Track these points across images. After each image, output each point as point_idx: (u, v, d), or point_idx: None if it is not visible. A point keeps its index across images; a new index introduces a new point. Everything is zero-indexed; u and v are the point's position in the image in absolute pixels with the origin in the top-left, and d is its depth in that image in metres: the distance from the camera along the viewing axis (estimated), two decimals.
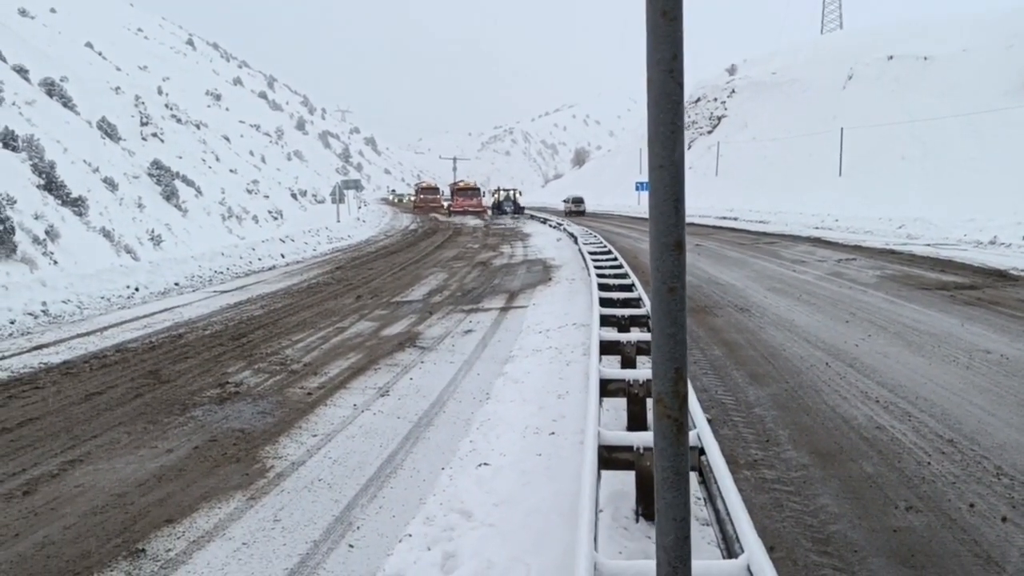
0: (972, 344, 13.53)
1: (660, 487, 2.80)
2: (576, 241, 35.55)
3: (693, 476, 6.62)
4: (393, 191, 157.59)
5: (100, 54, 68.79)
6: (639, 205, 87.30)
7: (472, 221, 72.77)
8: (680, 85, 2.49)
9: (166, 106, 62.36)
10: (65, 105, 42.60)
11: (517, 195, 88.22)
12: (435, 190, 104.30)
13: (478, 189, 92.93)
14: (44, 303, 19.68)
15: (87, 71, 55.74)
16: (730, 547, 4.90)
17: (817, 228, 44.63)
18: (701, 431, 6.42)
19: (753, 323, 16.67)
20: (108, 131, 44.17)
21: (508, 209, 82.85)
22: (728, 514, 5.05)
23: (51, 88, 42.75)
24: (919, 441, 8.85)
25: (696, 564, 4.40)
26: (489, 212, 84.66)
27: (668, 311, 2.60)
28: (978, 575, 6.00)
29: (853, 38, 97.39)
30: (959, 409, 9.96)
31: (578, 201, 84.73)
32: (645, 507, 6.78)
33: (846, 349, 13.65)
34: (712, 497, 5.63)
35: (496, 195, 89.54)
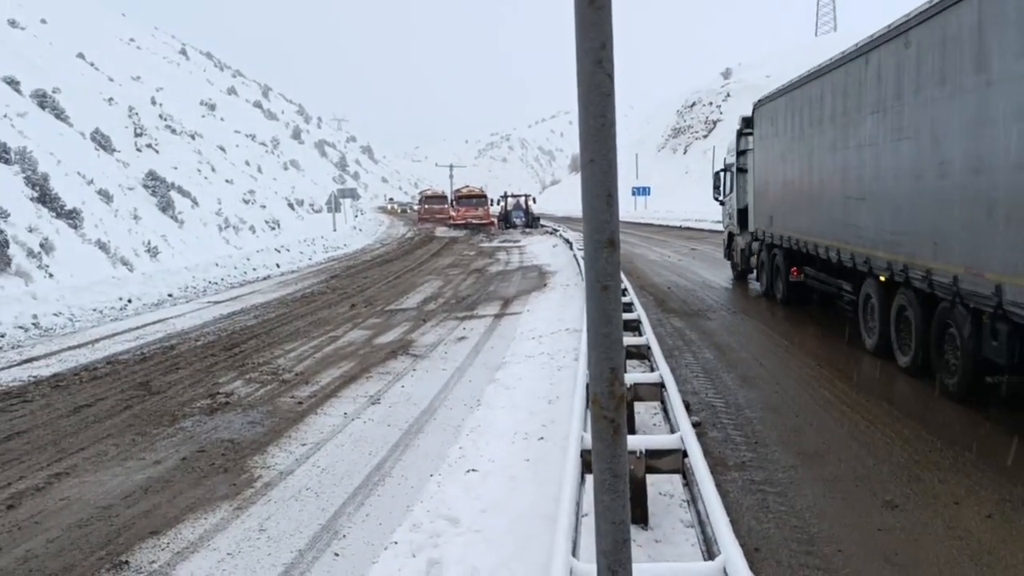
0: None
1: (597, 490, 2.75)
2: (572, 247, 35.56)
3: (677, 479, 6.59)
4: (391, 199, 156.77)
5: (92, 65, 68.55)
6: (635, 211, 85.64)
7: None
8: (610, 76, 2.41)
9: (160, 116, 62.18)
10: (58, 117, 42.40)
11: (530, 203, 70.30)
12: (442, 198, 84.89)
13: (485, 196, 71.91)
14: (35, 316, 19.63)
15: (79, 82, 55.44)
16: (710, 549, 4.86)
17: None
18: (684, 434, 6.40)
19: (746, 326, 16.66)
20: (102, 142, 43.93)
21: (518, 221, 66.23)
22: (708, 516, 5.02)
23: (43, 100, 42.55)
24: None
25: (672, 566, 4.39)
26: (496, 224, 67.11)
27: (603, 310, 2.54)
28: None
29: (847, 40, 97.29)
30: None
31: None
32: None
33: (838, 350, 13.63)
34: (694, 499, 5.61)
35: (503, 203, 70.49)
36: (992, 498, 7.26)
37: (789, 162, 17.96)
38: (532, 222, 65.91)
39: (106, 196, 36.16)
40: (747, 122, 22.10)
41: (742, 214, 22.86)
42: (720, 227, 28.80)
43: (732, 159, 23.70)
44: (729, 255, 25.43)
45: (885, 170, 12.55)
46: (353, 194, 78.44)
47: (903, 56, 11.71)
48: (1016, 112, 8.73)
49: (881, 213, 12.74)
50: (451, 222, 68.21)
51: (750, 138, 21.86)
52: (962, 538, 6.53)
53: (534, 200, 72.15)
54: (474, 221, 65.95)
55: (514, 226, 65.14)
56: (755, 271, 22.17)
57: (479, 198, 70.69)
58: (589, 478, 6.38)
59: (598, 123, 2.42)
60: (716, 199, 26.49)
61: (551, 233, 53.53)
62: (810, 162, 16.44)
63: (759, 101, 20.71)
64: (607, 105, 2.42)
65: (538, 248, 43.24)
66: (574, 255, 31.23)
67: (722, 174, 25.40)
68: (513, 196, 70.69)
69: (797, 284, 18.16)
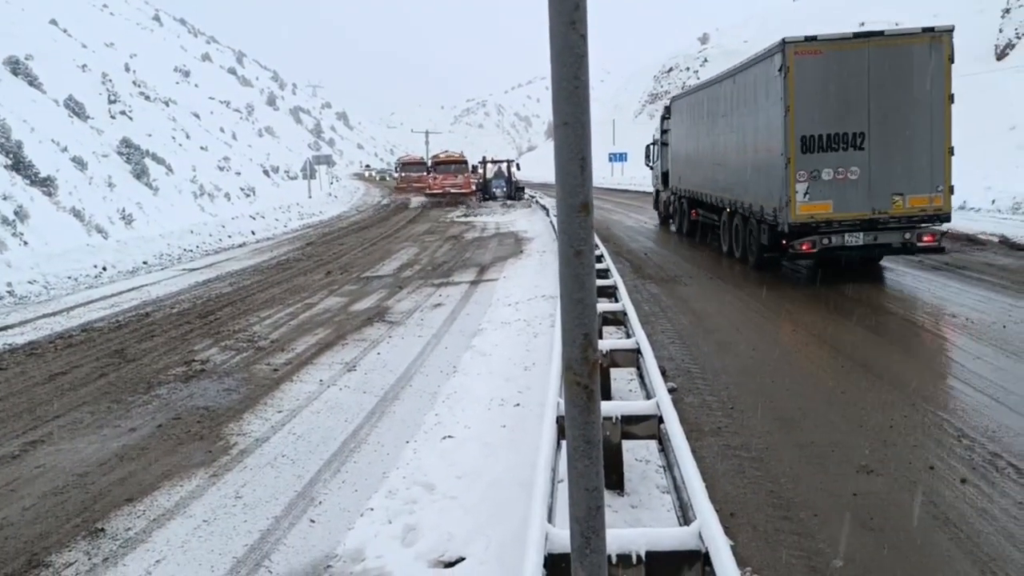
0: None
1: (571, 456, 2.75)
2: (548, 213, 35.55)
3: (654, 444, 6.62)
4: (367, 166, 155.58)
5: (65, 31, 67.47)
6: (612, 177, 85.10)
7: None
8: (583, 37, 2.37)
9: (134, 83, 61.55)
10: (31, 84, 41.92)
11: (513, 169, 59.76)
12: (421, 164, 72.96)
13: (465, 162, 62.75)
14: (9, 284, 19.50)
15: (53, 48, 54.61)
16: (686, 514, 4.89)
17: None
18: (660, 400, 6.41)
19: (726, 292, 16.72)
20: (76, 109, 43.45)
21: (499, 192, 57.06)
22: (684, 482, 5.03)
23: (16, 67, 42.02)
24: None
25: (647, 531, 4.41)
26: (476, 194, 58.40)
27: (575, 275, 2.54)
28: None
29: (825, 4, 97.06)
30: None
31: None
32: (605, 477, 6.76)
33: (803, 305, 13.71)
34: (670, 465, 5.62)
35: (482, 170, 61.12)
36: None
37: (689, 140, 25.91)
38: (515, 192, 57.03)
39: (80, 163, 35.85)
40: (667, 110, 30.17)
41: (664, 176, 31.06)
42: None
43: (659, 136, 32.25)
44: (656, 205, 34.68)
45: (727, 148, 20.74)
46: (328, 161, 77.64)
47: (733, 87, 20.03)
48: (764, 125, 17.48)
49: (727, 173, 20.86)
50: (428, 191, 60.30)
51: (669, 122, 29.69)
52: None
53: (518, 166, 61.27)
54: (453, 190, 58.61)
55: (494, 198, 56.29)
56: (672, 216, 30.27)
57: (458, 164, 62.33)
58: (565, 444, 6.40)
59: (571, 85, 2.39)
60: (647, 165, 35.61)
61: (528, 199, 53.25)
62: (698, 141, 24.41)
63: (673, 98, 29.70)
64: (580, 67, 2.39)
65: (514, 215, 43.15)
66: (550, 221, 31.39)
67: (651, 147, 34.17)
68: (493, 162, 61.33)
69: (694, 221, 26.18)
